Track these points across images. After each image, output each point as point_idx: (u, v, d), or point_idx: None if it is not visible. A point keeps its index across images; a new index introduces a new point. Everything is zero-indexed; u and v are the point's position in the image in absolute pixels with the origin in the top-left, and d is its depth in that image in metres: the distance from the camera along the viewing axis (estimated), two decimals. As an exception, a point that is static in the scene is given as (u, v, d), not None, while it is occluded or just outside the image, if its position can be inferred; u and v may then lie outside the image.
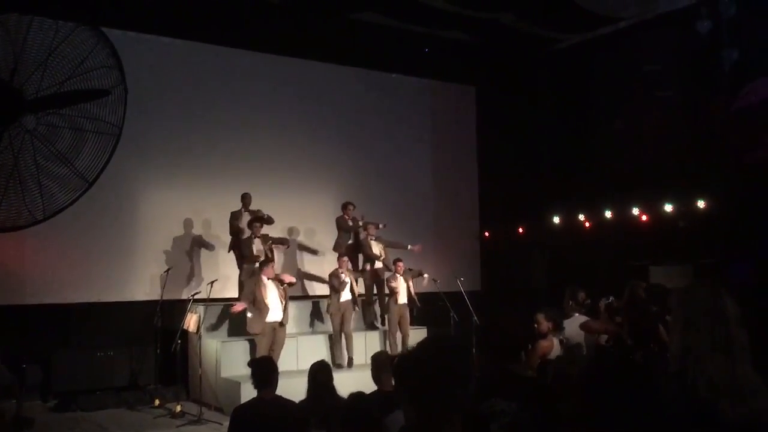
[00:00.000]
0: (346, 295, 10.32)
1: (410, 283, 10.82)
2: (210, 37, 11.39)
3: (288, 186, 11.88)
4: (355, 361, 10.17)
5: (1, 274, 9.72)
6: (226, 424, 4.85)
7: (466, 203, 14.25)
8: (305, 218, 12.35)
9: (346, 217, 11.21)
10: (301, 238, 12.34)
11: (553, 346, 5.99)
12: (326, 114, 12.58)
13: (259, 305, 9.36)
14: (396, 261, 10.89)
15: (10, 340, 9.23)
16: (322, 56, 12.38)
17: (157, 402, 9.66)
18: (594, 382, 2.41)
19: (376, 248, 11.16)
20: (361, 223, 11.23)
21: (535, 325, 5.95)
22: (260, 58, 12.03)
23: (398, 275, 10.73)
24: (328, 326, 10.75)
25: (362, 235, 11.20)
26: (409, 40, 12.61)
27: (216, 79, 11.61)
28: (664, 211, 11.33)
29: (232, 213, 10.64)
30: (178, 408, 9.18)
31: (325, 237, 12.06)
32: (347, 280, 10.36)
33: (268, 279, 9.55)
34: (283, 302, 9.59)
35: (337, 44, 12.13)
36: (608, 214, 12.20)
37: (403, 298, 10.70)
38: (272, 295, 9.52)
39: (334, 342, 10.36)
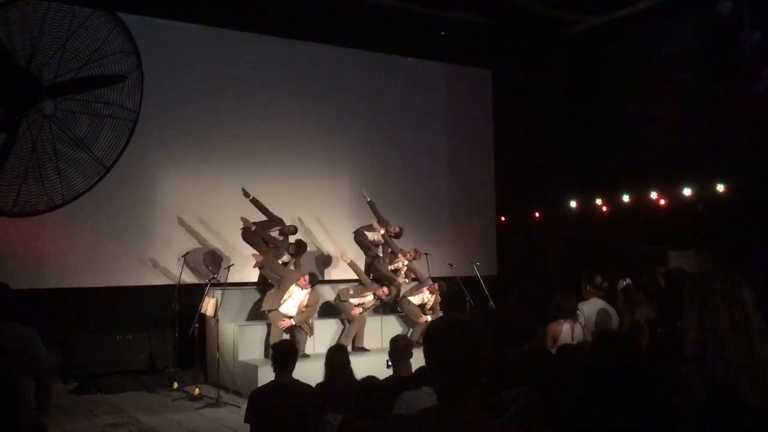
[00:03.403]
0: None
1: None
2: (224, 22, 11.37)
3: (302, 171, 11.88)
4: (372, 345, 10.23)
5: (21, 258, 9.83)
6: (244, 406, 4.88)
7: (482, 187, 14.18)
8: (319, 203, 12.34)
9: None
10: (315, 224, 12.35)
11: (562, 330, 5.99)
12: (341, 98, 12.54)
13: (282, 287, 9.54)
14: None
15: (31, 324, 9.30)
16: (338, 40, 12.33)
17: (175, 385, 9.77)
18: (599, 371, 2.42)
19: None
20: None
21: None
22: (275, 43, 12.00)
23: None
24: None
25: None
26: (425, 23, 12.53)
27: (231, 63, 11.59)
28: (683, 195, 11.19)
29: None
30: (197, 391, 9.27)
31: (339, 222, 12.07)
32: None
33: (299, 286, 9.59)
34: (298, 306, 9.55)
35: (353, 28, 12.07)
36: (626, 198, 12.08)
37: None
38: (295, 295, 9.55)
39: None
